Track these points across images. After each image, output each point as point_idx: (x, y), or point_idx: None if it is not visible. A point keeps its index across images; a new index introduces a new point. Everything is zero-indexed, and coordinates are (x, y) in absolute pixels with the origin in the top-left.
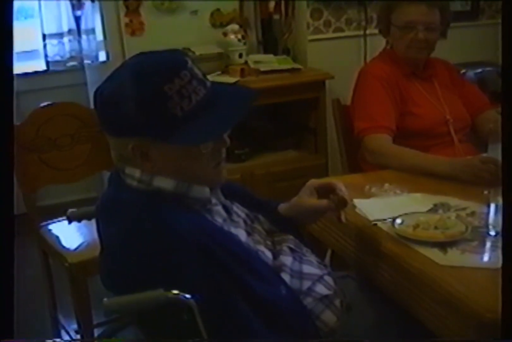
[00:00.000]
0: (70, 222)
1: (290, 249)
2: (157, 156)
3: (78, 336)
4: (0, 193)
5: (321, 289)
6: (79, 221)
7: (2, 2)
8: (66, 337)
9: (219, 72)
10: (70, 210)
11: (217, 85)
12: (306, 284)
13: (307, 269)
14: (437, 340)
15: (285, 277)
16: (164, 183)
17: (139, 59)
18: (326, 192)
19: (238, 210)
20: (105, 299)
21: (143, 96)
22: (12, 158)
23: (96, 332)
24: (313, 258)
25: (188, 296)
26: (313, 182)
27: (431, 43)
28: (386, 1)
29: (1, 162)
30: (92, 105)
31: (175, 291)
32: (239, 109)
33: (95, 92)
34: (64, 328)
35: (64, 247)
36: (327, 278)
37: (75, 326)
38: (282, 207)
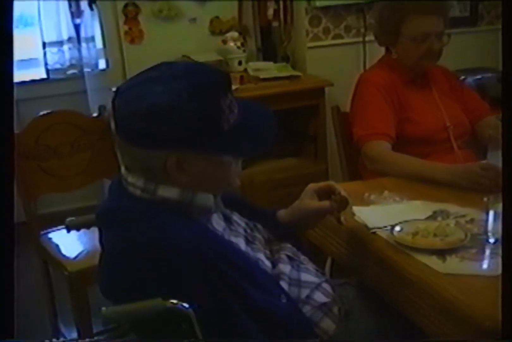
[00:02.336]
0: (68, 231)
1: (288, 257)
2: (194, 169)
3: None
4: (1, 201)
5: (319, 296)
6: (77, 229)
7: (2, 10)
8: None
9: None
10: (68, 219)
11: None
12: (304, 292)
13: (305, 277)
14: (434, 340)
15: (284, 285)
16: (169, 191)
17: (184, 72)
18: (326, 194)
19: (237, 219)
20: (103, 308)
21: (201, 110)
22: (12, 167)
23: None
24: (310, 266)
25: (186, 305)
26: (313, 185)
27: (441, 51)
28: (391, 11)
29: (1, 171)
30: (93, 113)
31: (174, 300)
32: (270, 119)
33: (120, 103)
34: (64, 336)
35: (64, 255)
36: (325, 286)
37: (75, 334)
38: (283, 213)
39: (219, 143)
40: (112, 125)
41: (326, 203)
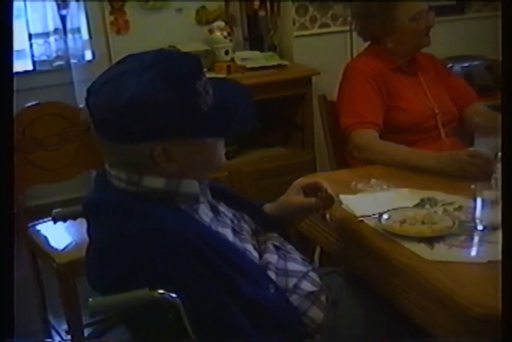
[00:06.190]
0: (55, 222)
1: (275, 246)
2: (181, 155)
3: (69, 337)
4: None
5: (306, 285)
6: (64, 221)
7: (2, 2)
8: (57, 338)
9: (205, 70)
10: (54, 210)
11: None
12: (292, 281)
13: (291, 266)
14: (435, 341)
15: (271, 275)
16: (154, 181)
17: (153, 61)
18: (312, 191)
19: (224, 210)
20: (90, 299)
21: (178, 96)
22: (12, 157)
23: (86, 332)
24: (297, 255)
25: (173, 295)
26: (300, 181)
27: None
28: (380, 2)
29: (1, 161)
30: (80, 104)
31: (161, 290)
32: (246, 94)
33: (95, 102)
34: (54, 328)
35: (52, 247)
36: (312, 274)
37: (65, 326)
38: (269, 207)
39: (202, 126)
40: (91, 125)
41: (311, 200)
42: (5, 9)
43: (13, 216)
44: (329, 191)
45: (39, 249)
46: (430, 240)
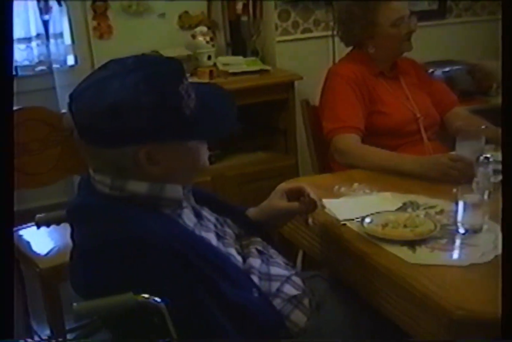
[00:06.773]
0: (38, 227)
1: (258, 250)
2: (165, 159)
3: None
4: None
5: (289, 289)
6: (47, 226)
7: (2, 3)
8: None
9: (188, 75)
10: (38, 215)
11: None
12: (275, 285)
13: (274, 270)
14: (422, 341)
15: (254, 279)
16: (138, 186)
17: (135, 65)
18: (295, 195)
19: (208, 214)
20: (74, 304)
21: (161, 99)
22: (12, 158)
23: (69, 337)
24: (280, 259)
25: (158, 299)
26: (283, 185)
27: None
28: (361, 6)
29: (1, 163)
30: (62, 109)
31: (145, 295)
32: (230, 101)
33: (78, 108)
34: (37, 334)
35: (35, 252)
36: (295, 278)
37: (48, 332)
38: (252, 211)
39: (185, 129)
40: (74, 131)
41: (295, 204)
42: (5, 9)
43: (13, 217)
44: (312, 195)
45: (22, 254)
46: (412, 243)
